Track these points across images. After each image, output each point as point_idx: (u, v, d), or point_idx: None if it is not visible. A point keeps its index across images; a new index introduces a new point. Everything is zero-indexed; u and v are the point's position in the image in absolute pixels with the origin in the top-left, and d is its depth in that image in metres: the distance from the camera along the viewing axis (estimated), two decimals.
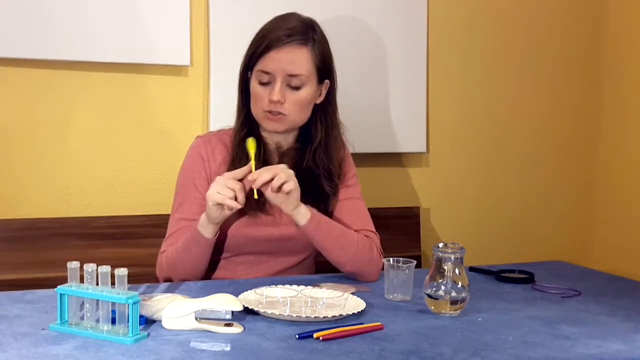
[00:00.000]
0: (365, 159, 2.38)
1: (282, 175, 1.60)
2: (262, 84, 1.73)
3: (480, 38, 2.60)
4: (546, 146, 2.75)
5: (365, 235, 1.79)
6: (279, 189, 1.60)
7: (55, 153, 2.12)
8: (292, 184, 1.61)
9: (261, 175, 1.60)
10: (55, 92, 2.10)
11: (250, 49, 1.77)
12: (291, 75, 1.71)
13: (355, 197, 1.86)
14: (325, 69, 1.78)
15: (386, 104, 2.44)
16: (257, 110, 1.76)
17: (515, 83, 2.67)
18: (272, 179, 1.60)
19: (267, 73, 1.71)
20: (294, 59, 1.71)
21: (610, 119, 2.77)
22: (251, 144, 1.69)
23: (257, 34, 1.77)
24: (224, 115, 2.12)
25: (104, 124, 2.16)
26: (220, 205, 1.60)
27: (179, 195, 1.80)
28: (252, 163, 1.64)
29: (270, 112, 1.72)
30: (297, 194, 1.63)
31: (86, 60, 2.09)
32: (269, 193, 1.63)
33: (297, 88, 1.72)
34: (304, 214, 1.67)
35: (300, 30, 1.73)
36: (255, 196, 1.61)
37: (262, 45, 1.72)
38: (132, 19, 2.10)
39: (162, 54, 2.16)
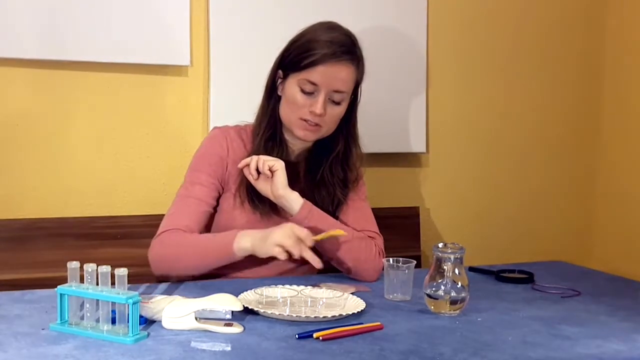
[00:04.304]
0: (366, 159, 2.37)
1: (262, 157, 1.68)
2: (303, 92, 1.71)
3: (480, 38, 2.60)
4: (546, 146, 2.75)
5: (368, 236, 1.79)
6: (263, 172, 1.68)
7: (56, 153, 2.12)
8: (275, 162, 1.67)
9: (243, 161, 1.69)
10: (55, 92, 2.10)
11: (291, 52, 1.74)
12: (335, 91, 1.71)
13: (360, 199, 1.87)
14: (359, 85, 1.81)
15: (386, 104, 2.44)
16: (291, 116, 1.74)
17: (515, 83, 2.67)
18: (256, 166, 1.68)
19: (313, 84, 1.70)
20: (342, 77, 1.72)
21: (610, 120, 2.77)
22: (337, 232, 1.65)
23: (304, 39, 1.73)
24: (224, 115, 2.12)
25: (104, 124, 2.16)
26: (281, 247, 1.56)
27: (189, 176, 1.77)
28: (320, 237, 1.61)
29: (306, 120, 1.72)
30: (283, 173, 1.67)
31: (86, 60, 2.09)
32: (258, 182, 1.69)
33: (337, 103, 1.74)
34: (295, 199, 1.69)
35: (350, 47, 1.74)
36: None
37: (313, 55, 1.69)
38: (132, 19, 2.10)
39: (162, 54, 2.16)
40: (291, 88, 1.73)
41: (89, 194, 2.16)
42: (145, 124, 2.20)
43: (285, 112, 1.76)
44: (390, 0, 2.42)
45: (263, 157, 1.68)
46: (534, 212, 2.75)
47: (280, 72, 1.77)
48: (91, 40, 2.07)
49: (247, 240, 1.60)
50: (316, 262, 1.56)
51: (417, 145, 2.51)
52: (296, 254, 1.55)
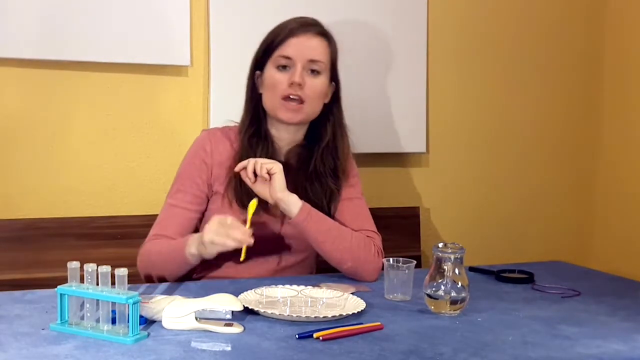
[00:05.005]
0: (366, 159, 2.38)
1: (260, 160, 1.67)
2: (280, 70, 1.75)
3: (480, 38, 2.60)
4: (546, 146, 2.75)
5: (367, 236, 1.79)
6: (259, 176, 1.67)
7: (56, 153, 2.12)
8: (273, 165, 1.67)
9: (240, 164, 1.69)
10: (55, 92, 2.10)
11: (263, 45, 1.80)
12: (311, 61, 1.75)
13: (356, 197, 1.87)
14: (335, 70, 1.82)
15: (386, 104, 2.44)
16: (274, 99, 1.76)
17: (515, 83, 2.67)
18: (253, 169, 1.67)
19: (287, 58, 1.74)
20: (314, 46, 1.76)
21: (610, 119, 2.77)
22: (252, 205, 1.65)
23: (269, 33, 1.80)
24: (224, 115, 2.11)
25: (104, 124, 2.16)
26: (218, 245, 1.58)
27: (176, 182, 1.81)
28: (249, 223, 1.61)
29: (288, 98, 1.74)
30: (281, 176, 1.67)
31: (86, 60, 2.09)
32: (256, 185, 1.69)
33: (315, 75, 1.76)
34: (294, 202, 1.69)
35: (318, 23, 1.80)
36: (242, 258, 1.58)
37: (280, 35, 1.76)
38: (132, 19, 2.10)
39: (162, 54, 2.16)
40: (268, 72, 1.77)
41: (89, 194, 2.16)
42: (145, 124, 2.20)
43: (268, 98, 1.78)
44: (390, 0, 2.43)
45: (260, 160, 1.68)
46: (534, 212, 2.75)
47: (257, 72, 1.81)
48: (91, 40, 2.07)
49: (193, 246, 1.63)
50: (243, 253, 1.57)
51: (417, 145, 2.51)
52: (232, 244, 1.55)
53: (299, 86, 1.73)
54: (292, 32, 1.75)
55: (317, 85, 1.76)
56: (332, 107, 1.84)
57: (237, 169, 1.70)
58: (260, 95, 1.80)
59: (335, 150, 1.83)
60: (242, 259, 1.57)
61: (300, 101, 1.74)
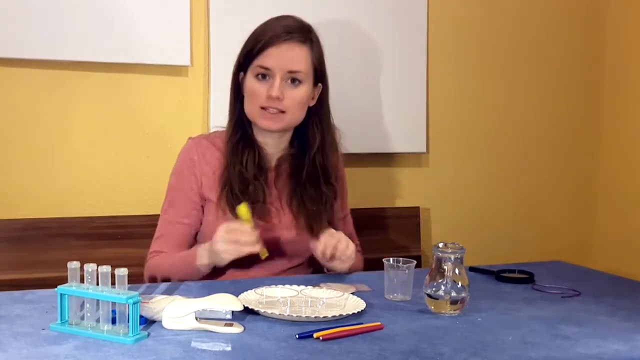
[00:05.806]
0: (366, 159, 2.38)
1: (338, 248, 1.67)
2: (259, 80, 1.72)
3: (480, 38, 2.60)
4: (546, 146, 2.75)
5: (358, 250, 1.88)
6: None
7: (56, 153, 2.12)
8: (349, 247, 1.69)
9: (320, 253, 1.68)
10: (55, 92, 2.10)
11: (245, 48, 1.77)
12: (290, 72, 1.72)
13: (347, 214, 1.95)
14: (320, 72, 1.79)
15: (386, 104, 2.44)
16: (252, 108, 1.74)
17: (515, 83, 2.67)
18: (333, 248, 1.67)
19: (265, 68, 1.71)
20: (294, 56, 1.72)
21: (610, 120, 2.77)
22: (243, 210, 1.63)
23: (252, 34, 1.77)
24: (224, 115, 2.11)
25: (104, 124, 2.16)
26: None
27: (168, 197, 1.81)
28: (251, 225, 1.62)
29: (266, 108, 1.72)
30: (352, 254, 1.70)
31: (86, 60, 2.09)
32: (328, 264, 1.71)
33: (296, 85, 1.73)
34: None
35: (299, 30, 1.75)
36: (263, 256, 1.63)
37: (260, 42, 1.72)
38: (132, 19, 2.10)
39: (162, 54, 2.16)
40: (248, 81, 1.75)
41: (89, 194, 2.16)
42: (145, 124, 2.20)
43: (248, 106, 1.76)
44: (390, 1, 2.43)
45: (339, 248, 1.67)
46: (534, 212, 2.75)
47: (241, 73, 1.78)
48: (91, 40, 2.07)
49: (204, 257, 1.65)
50: (263, 252, 1.62)
51: (417, 145, 2.51)
52: (247, 250, 1.58)
53: (277, 99, 1.71)
54: (272, 40, 1.71)
55: (297, 96, 1.73)
56: (318, 110, 1.81)
57: (322, 261, 1.71)
58: (243, 98, 1.78)
59: (326, 156, 1.82)
60: (264, 257, 1.61)
61: (281, 112, 1.73)
